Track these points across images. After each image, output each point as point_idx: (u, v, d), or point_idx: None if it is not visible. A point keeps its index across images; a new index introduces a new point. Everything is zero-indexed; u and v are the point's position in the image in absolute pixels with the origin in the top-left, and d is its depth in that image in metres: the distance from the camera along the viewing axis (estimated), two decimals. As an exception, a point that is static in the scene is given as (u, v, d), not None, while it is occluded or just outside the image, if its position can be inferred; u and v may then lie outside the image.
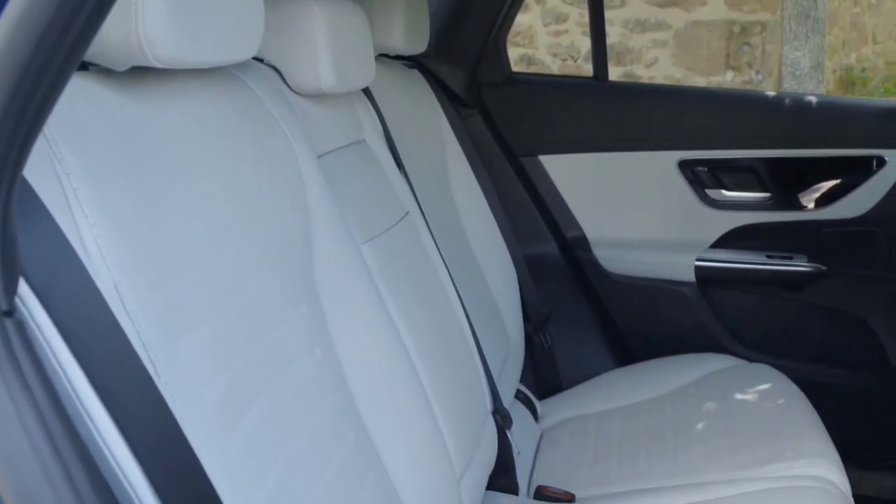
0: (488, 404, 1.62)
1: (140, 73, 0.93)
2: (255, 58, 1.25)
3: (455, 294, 1.64)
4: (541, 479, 1.79)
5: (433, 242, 1.64)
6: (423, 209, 1.67)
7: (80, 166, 0.78)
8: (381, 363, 1.23)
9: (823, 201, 2.26)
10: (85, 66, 0.89)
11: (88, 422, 0.71)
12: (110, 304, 0.74)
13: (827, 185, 2.27)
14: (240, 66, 1.16)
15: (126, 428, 0.72)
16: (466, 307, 1.67)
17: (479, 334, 1.68)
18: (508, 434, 1.65)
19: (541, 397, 2.20)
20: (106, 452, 0.71)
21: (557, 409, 2.14)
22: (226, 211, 0.99)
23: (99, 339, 0.72)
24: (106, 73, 0.89)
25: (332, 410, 1.08)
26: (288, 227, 1.12)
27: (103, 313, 0.73)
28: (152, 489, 0.72)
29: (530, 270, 2.28)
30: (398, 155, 1.67)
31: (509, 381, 1.90)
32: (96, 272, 0.75)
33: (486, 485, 1.52)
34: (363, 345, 1.20)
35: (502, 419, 1.63)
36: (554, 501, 1.68)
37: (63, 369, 0.70)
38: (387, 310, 1.29)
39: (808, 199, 2.29)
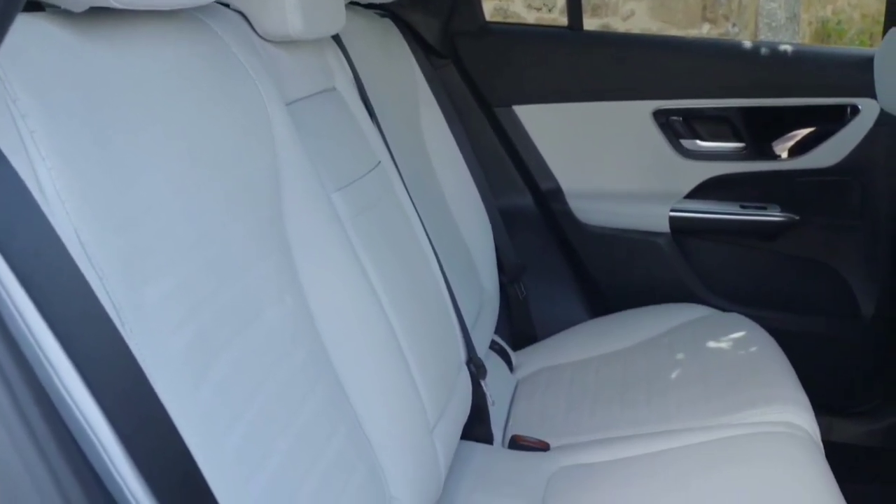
0: (462, 354, 1.61)
1: (100, 16, 0.90)
2: (220, 2, 1.22)
3: (428, 244, 1.63)
4: (515, 429, 1.80)
5: (406, 193, 1.62)
6: (396, 159, 1.65)
7: (36, 108, 0.75)
8: (353, 312, 1.22)
9: (797, 150, 2.26)
10: (40, 7, 0.86)
11: (50, 369, 0.69)
12: (70, 249, 0.73)
13: (801, 133, 2.27)
14: (205, 11, 1.13)
15: (90, 376, 0.71)
16: (440, 258, 1.66)
17: (453, 285, 1.68)
18: (483, 384, 1.65)
19: (516, 348, 2.21)
20: (68, 400, 0.70)
21: (532, 359, 2.14)
22: (191, 158, 0.97)
23: (59, 285, 0.70)
24: (64, 14, 0.87)
25: (303, 360, 1.08)
26: (256, 175, 1.10)
27: (63, 259, 0.71)
28: (118, 438, 0.71)
29: (505, 222, 2.27)
30: (370, 104, 1.64)
31: (484, 331, 1.90)
32: (55, 217, 0.73)
33: (460, 434, 1.52)
34: (335, 294, 1.19)
35: (476, 369, 1.63)
36: (528, 450, 1.69)
37: (21, 315, 0.68)
38: (358, 259, 1.28)
39: (782, 149, 2.29)
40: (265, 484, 0.89)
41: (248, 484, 0.87)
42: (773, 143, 2.30)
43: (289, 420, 0.99)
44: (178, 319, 0.86)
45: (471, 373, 1.61)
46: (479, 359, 1.67)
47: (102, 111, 0.85)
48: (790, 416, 1.64)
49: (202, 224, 0.95)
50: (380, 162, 1.54)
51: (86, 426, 0.70)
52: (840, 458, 1.60)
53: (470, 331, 1.71)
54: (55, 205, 0.74)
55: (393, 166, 1.62)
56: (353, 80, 1.62)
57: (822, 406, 1.79)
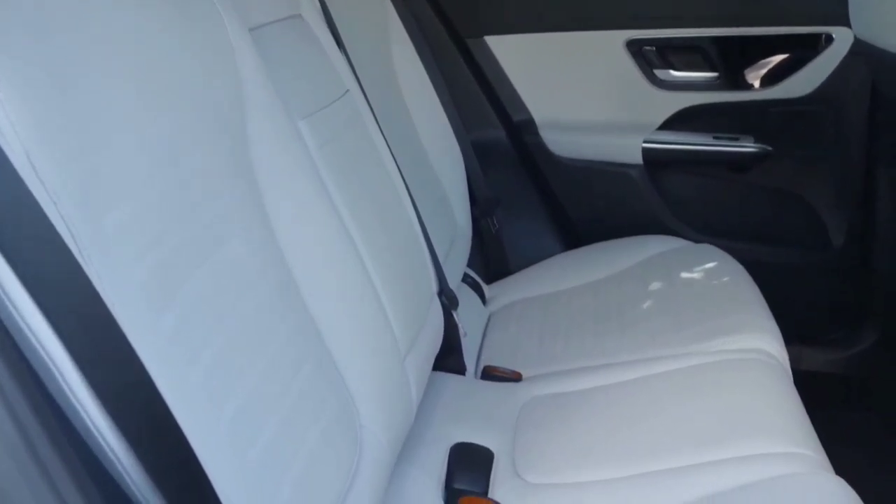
0: (434, 286, 1.61)
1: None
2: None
3: (399, 176, 1.61)
4: (488, 360, 1.80)
5: (375, 123, 1.60)
6: (365, 90, 1.62)
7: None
8: (321, 243, 1.20)
9: (771, 80, 2.24)
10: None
11: (3, 297, 0.67)
12: (21, 172, 0.70)
13: (774, 62, 2.25)
14: (161, -70, 1.08)
15: (46, 304, 0.69)
16: (411, 190, 1.64)
17: (424, 217, 1.66)
18: (454, 315, 1.64)
19: (488, 281, 2.21)
20: (24, 328, 0.68)
21: (505, 292, 2.14)
22: (150, 84, 0.94)
23: (10, 208, 0.68)
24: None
25: (271, 291, 1.06)
26: (218, 102, 1.07)
27: (13, 180, 0.69)
28: (75, 364, 0.69)
29: (477, 155, 2.25)
30: (337, 33, 1.60)
31: (456, 264, 1.89)
32: (4, 138, 0.71)
33: (432, 365, 1.52)
34: (302, 225, 1.17)
35: (448, 300, 1.63)
36: (501, 380, 1.70)
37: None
38: (326, 189, 1.26)
39: (755, 77, 2.27)
40: (233, 414, 0.88)
41: (215, 415, 0.86)
42: (747, 73, 2.28)
43: (257, 350, 0.97)
44: (139, 248, 0.83)
45: (442, 304, 1.60)
46: (451, 291, 1.67)
47: (54, 37, 0.82)
48: (760, 343, 1.65)
49: (163, 151, 0.93)
50: (347, 91, 1.51)
51: (42, 352, 0.68)
52: (809, 385, 1.62)
53: (442, 263, 1.70)
54: (4, 125, 0.71)
55: (361, 96, 1.59)
56: (320, 8, 1.58)
57: (792, 335, 1.80)
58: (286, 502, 0.92)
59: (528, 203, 2.40)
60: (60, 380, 0.69)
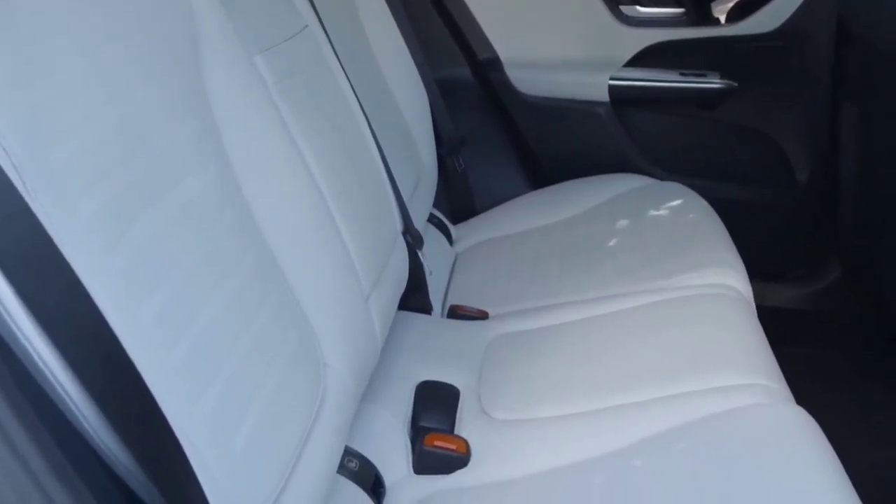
0: (398, 225, 1.59)
1: None
2: None
3: (361, 113, 1.58)
4: (454, 299, 1.80)
5: (336, 60, 1.56)
6: (325, 25, 1.58)
7: None
8: (281, 179, 1.18)
9: (737, 15, 2.22)
10: None
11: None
12: None
13: (741, -5, 2.23)
14: None
15: None
16: (374, 128, 1.61)
17: (388, 156, 1.64)
18: (419, 254, 1.63)
19: (455, 221, 2.20)
20: None
21: (472, 232, 2.13)
22: (98, 13, 0.91)
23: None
24: None
25: (230, 227, 1.04)
26: (170, 33, 1.03)
27: None
28: (20, 299, 0.67)
29: (443, 94, 2.22)
30: (295, -35, 1.56)
31: (421, 204, 1.88)
32: None
33: (397, 304, 1.51)
34: (261, 160, 1.14)
35: (413, 239, 1.61)
36: (467, 319, 1.70)
37: None
38: (286, 125, 1.23)
39: (722, 13, 2.25)
40: (189, 351, 0.87)
41: (170, 350, 0.85)
42: (713, 8, 2.26)
43: (215, 286, 0.96)
44: (86, 182, 0.81)
45: (407, 243, 1.59)
46: (416, 230, 1.65)
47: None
48: (725, 278, 1.66)
49: (112, 83, 0.90)
50: (306, 26, 1.48)
51: None
52: (773, 321, 1.62)
53: (407, 203, 1.69)
54: None
55: (322, 31, 1.55)
56: (277, -60, 1.53)
57: (757, 272, 1.81)
58: (248, 439, 0.91)
59: (495, 142, 2.38)
60: (4, 312, 0.67)
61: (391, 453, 1.31)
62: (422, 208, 1.88)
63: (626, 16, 2.25)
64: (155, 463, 0.75)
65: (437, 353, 1.54)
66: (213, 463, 0.84)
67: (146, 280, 0.85)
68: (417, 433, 1.33)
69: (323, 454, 1.07)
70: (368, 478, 1.25)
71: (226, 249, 1.01)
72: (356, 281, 1.28)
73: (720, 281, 1.65)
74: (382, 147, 1.62)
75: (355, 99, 1.58)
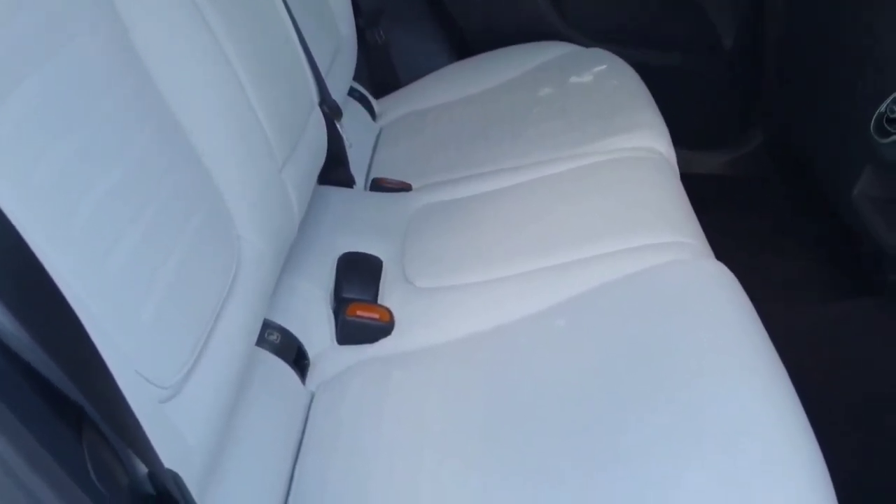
0: (314, 96, 1.53)
1: None
2: None
3: (271, -21, 1.50)
4: (377, 173, 1.76)
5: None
6: None
7: None
8: (183, 42, 1.11)
9: None
10: None
11: None
12: None
13: None
14: None
15: None
16: (286, -4, 1.54)
17: (302, 25, 1.56)
18: (338, 126, 1.58)
19: (378, 96, 2.14)
20: None
21: (395, 105, 2.08)
22: None
23: None
24: None
25: (128, 91, 0.98)
26: None
27: None
28: None
29: (360, -37, 2.13)
30: None
31: (340, 76, 1.81)
32: None
33: (315, 177, 1.47)
34: (160, 21, 1.08)
35: (330, 110, 1.56)
36: (390, 191, 1.67)
37: None
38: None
39: None
40: (87, 218, 0.82)
41: (66, 218, 0.80)
42: None
43: (113, 154, 0.90)
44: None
45: (324, 114, 1.53)
46: (334, 100, 1.60)
47: None
48: (648, 141, 1.65)
49: None
50: None
51: None
52: (698, 188, 1.62)
53: (325, 75, 1.62)
54: None
55: None
56: None
57: (682, 139, 1.80)
58: (156, 311, 0.87)
59: (415, 12, 2.29)
60: None
61: (314, 325, 1.29)
62: (341, 80, 1.82)
63: None
64: (51, 337, 0.72)
65: (359, 225, 1.52)
66: (118, 336, 0.81)
67: (34, 144, 0.80)
68: (340, 304, 1.31)
69: (239, 326, 1.04)
70: (291, 350, 1.23)
71: (123, 113, 0.95)
72: (269, 151, 1.23)
73: (643, 144, 1.64)
74: (296, 17, 1.55)
75: (264, -36, 1.49)
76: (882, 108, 1.56)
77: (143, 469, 0.76)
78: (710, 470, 0.93)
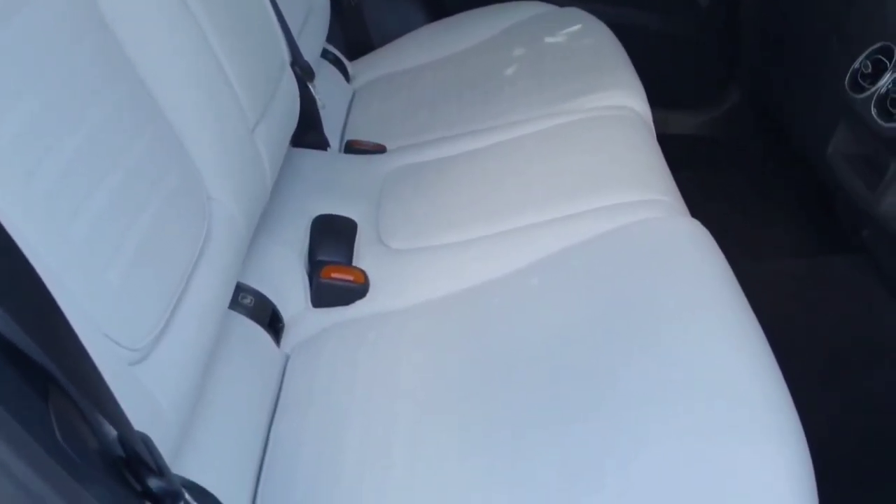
0: (286, 56, 1.51)
1: None
2: None
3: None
4: (351, 135, 1.75)
5: None
6: None
7: None
8: (153, 6, 1.09)
9: None
10: None
11: None
12: None
13: None
14: None
15: None
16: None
17: (272, -15, 1.54)
18: (310, 87, 1.56)
19: (351, 58, 2.11)
20: None
21: (369, 68, 2.06)
22: None
23: None
24: None
25: (92, 55, 0.96)
26: None
27: None
28: None
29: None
30: None
31: (313, 37, 1.78)
32: None
33: (288, 139, 1.45)
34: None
35: (302, 71, 1.54)
36: (364, 153, 1.65)
37: None
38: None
39: None
40: (54, 178, 0.81)
41: (30, 178, 0.79)
42: None
43: (77, 114, 0.89)
44: None
45: (296, 75, 1.51)
46: (306, 61, 1.57)
47: None
48: (624, 100, 1.64)
49: None
50: None
51: None
52: (675, 148, 1.62)
53: (296, 36, 1.60)
54: None
55: None
56: None
57: (659, 99, 1.80)
58: (125, 273, 0.86)
59: (389, -27, 2.27)
60: None
61: (288, 288, 1.28)
62: (313, 42, 1.79)
63: None
64: (14, 299, 0.70)
65: (333, 188, 1.50)
66: (84, 299, 0.80)
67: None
68: (314, 267, 1.30)
69: (211, 289, 1.03)
70: (265, 313, 1.22)
71: (87, 78, 0.93)
72: (239, 113, 1.21)
73: (619, 102, 1.63)
74: (266, -24, 1.52)
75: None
76: (856, 63, 1.55)
77: (113, 432, 0.76)
78: (683, 422, 0.93)
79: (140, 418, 0.79)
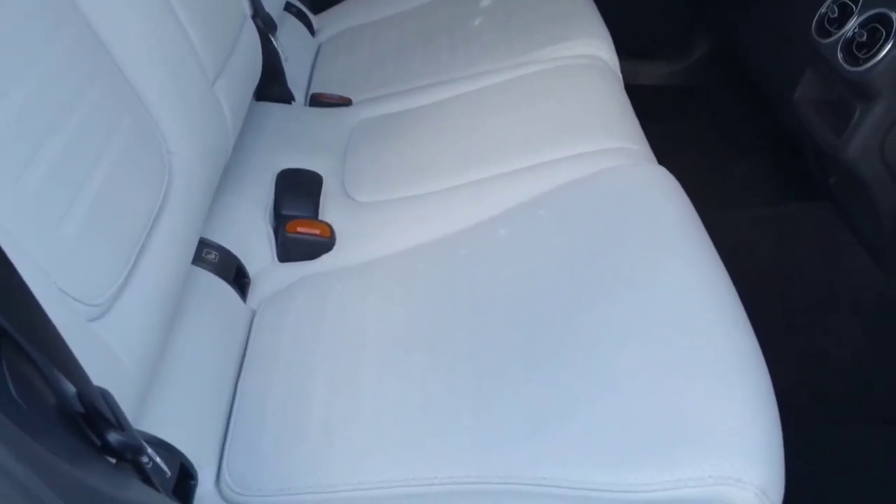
0: (246, 9, 1.48)
1: None
2: None
3: None
4: (317, 88, 1.72)
5: None
6: None
7: None
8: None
9: None
10: None
11: None
12: None
13: None
14: None
15: None
16: None
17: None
18: (273, 40, 1.53)
19: (316, 11, 2.08)
20: None
21: (333, 21, 2.03)
22: None
23: None
24: None
25: (40, 5, 0.93)
26: None
27: None
28: None
29: None
30: None
31: (274, -10, 1.75)
32: None
33: (251, 93, 1.43)
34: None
35: (264, 23, 1.51)
36: (329, 106, 1.63)
37: None
38: None
39: None
40: (2, 124, 0.79)
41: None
42: None
43: (26, 63, 0.86)
44: None
45: (257, 27, 1.48)
46: (268, 13, 1.54)
47: None
48: (591, 49, 1.63)
49: None
50: None
51: None
52: (644, 99, 1.61)
53: (258, -12, 1.57)
54: None
55: None
56: None
57: (628, 50, 1.78)
58: (80, 226, 0.84)
59: (352, -77, 2.22)
60: None
61: (254, 244, 1.27)
62: (276, -5, 1.75)
63: None
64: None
65: (298, 141, 1.48)
66: (37, 252, 0.78)
67: None
68: (280, 221, 1.29)
69: (173, 243, 1.02)
70: (230, 268, 1.21)
71: (34, 28, 0.91)
72: (198, 65, 1.19)
73: (586, 52, 1.61)
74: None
75: None
76: (823, 9, 1.54)
77: (72, 388, 0.74)
78: (649, 361, 0.93)
79: (100, 374, 0.77)
